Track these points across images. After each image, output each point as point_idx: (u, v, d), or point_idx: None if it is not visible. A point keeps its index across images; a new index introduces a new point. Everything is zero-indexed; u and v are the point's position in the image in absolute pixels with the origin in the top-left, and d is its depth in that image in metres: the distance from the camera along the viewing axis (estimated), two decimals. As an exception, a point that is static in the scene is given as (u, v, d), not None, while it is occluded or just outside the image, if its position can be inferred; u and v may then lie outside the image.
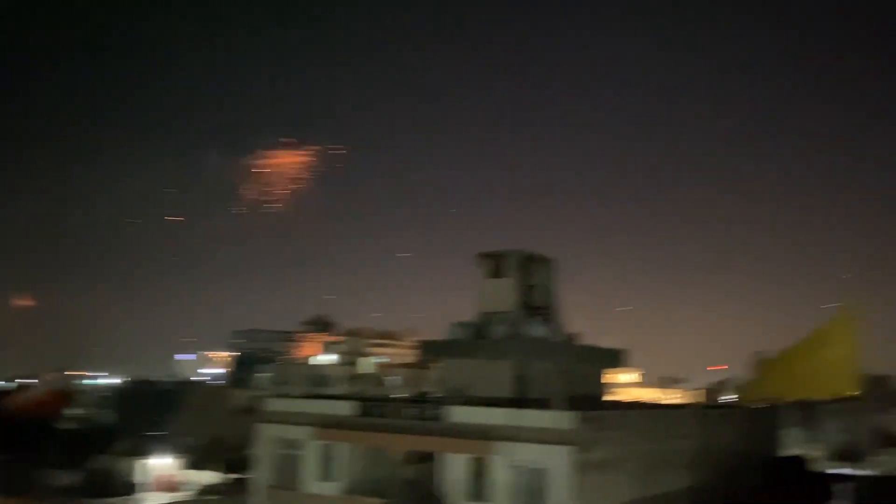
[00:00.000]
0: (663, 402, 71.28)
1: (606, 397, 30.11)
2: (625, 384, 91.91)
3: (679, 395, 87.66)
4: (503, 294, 28.06)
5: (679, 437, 23.72)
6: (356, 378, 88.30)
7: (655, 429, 23.32)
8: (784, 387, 25.49)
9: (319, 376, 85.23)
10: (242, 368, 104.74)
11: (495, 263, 28.54)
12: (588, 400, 25.30)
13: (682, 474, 23.25)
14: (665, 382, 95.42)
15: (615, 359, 30.13)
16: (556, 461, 19.55)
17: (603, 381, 29.41)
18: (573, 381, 24.49)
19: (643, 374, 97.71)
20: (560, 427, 19.80)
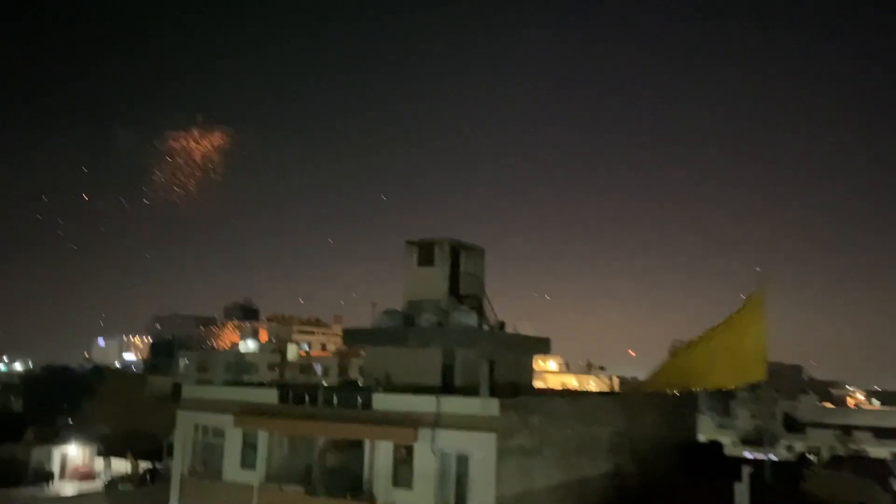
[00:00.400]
0: (585, 389, 73.11)
1: (532, 383, 30.57)
2: (549, 371, 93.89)
3: (597, 383, 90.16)
4: (432, 282, 28.07)
5: (599, 424, 24.30)
6: (280, 365, 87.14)
7: (576, 416, 23.80)
8: (695, 373, 26.36)
9: (242, 363, 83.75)
10: (162, 355, 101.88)
11: (424, 251, 28.51)
12: (515, 387, 25.64)
13: (601, 460, 23.84)
14: (586, 370, 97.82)
15: (541, 347, 30.60)
16: (479, 447, 19.74)
17: (529, 368, 29.84)
18: (500, 368, 24.77)
19: (566, 362, 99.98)
20: (483, 414, 19.99)
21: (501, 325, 28.82)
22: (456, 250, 28.80)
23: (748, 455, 38.36)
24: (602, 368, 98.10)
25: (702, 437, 32.31)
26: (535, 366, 31.97)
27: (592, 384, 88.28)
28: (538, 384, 42.26)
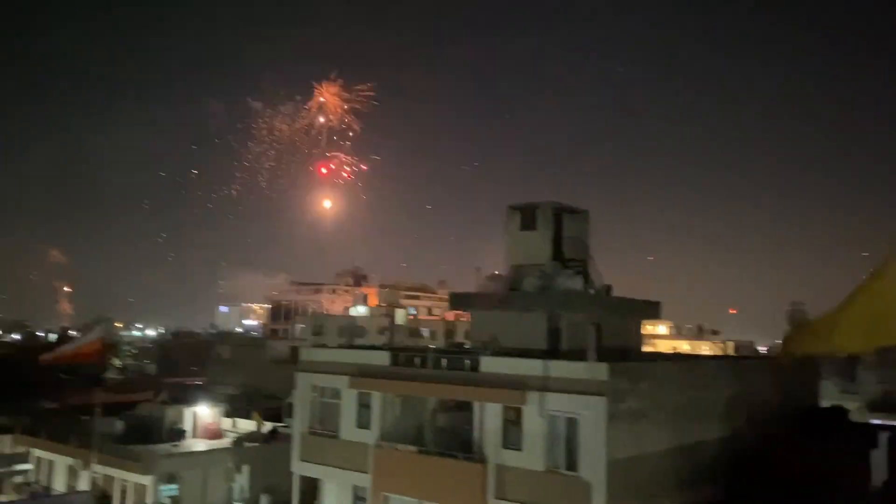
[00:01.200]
0: (697, 353, 71.14)
1: (641, 348, 30.07)
2: (659, 336, 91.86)
3: (710, 347, 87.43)
4: (535, 246, 27.95)
5: (713, 388, 23.71)
6: (389, 329, 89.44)
7: (688, 380, 23.31)
8: (829, 344, 24.87)
9: (354, 327, 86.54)
10: (279, 320, 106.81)
11: (527, 216, 28.36)
12: (623, 352, 25.33)
13: (715, 424, 23.30)
14: (698, 334, 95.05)
15: (649, 310, 29.99)
16: (588, 411, 19.72)
17: (638, 332, 29.34)
18: (608, 333, 24.46)
19: (676, 326, 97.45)
20: (592, 377, 19.91)
21: (608, 289, 28.40)
22: (559, 214, 28.48)
23: (876, 422, 36.40)
24: (715, 332, 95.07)
25: (825, 403, 30.84)
26: (646, 330, 31.41)
27: (706, 349, 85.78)
28: (648, 349, 41.50)
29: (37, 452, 39.22)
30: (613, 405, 19.59)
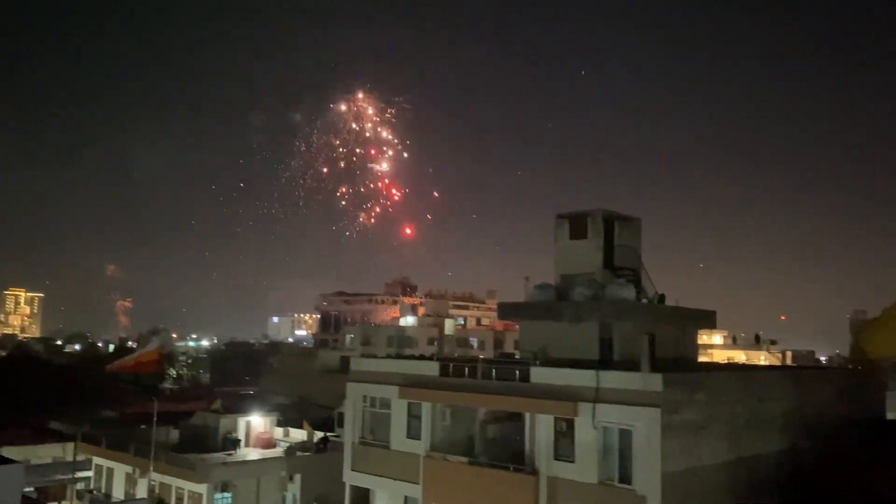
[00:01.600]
0: (754, 363, 69.34)
1: (696, 359, 29.41)
2: (714, 346, 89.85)
3: (768, 358, 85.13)
4: (585, 255, 27.62)
5: (771, 400, 23.03)
6: (438, 339, 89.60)
7: (745, 391, 22.69)
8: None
9: (403, 337, 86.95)
10: (329, 330, 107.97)
11: (576, 224, 28.04)
12: (678, 362, 24.82)
13: (774, 437, 22.63)
14: (754, 343, 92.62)
15: (704, 319, 29.34)
16: (642, 422, 19.34)
17: (693, 342, 28.72)
18: (662, 343, 24.01)
19: (732, 336, 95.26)
20: (646, 388, 19.53)
21: (661, 298, 27.87)
22: (609, 222, 28.11)
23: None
24: (773, 342, 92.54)
25: (892, 416, 29.70)
26: (701, 340, 30.74)
27: (763, 359, 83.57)
28: (703, 359, 40.60)
29: (97, 460, 40.31)
30: (668, 416, 19.17)
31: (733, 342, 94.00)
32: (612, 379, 20.41)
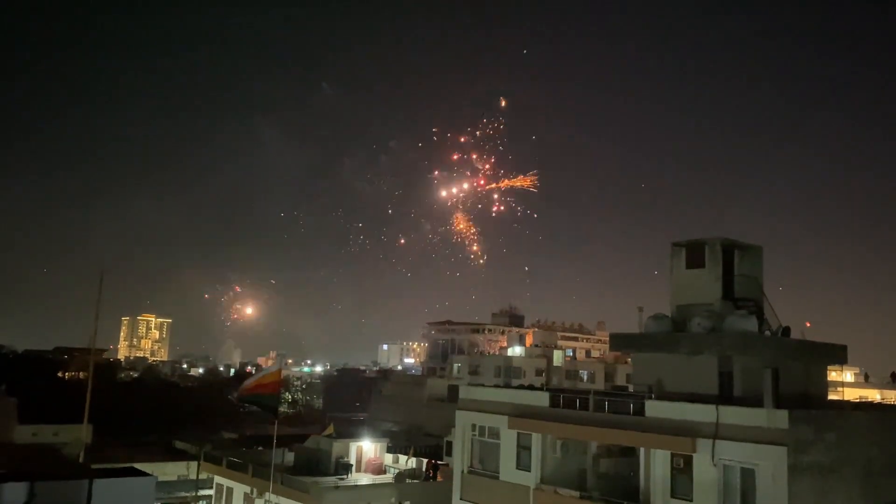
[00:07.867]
0: (890, 403, 64.25)
1: (826, 396, 27.61)
2: (845, 383, 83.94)
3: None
4: (703, 285, 26.61)
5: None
6: (546, 370, 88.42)
7: (882, 432, 21.08)
8: None
9: (510, 367, 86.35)
10: (437, 358, 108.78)
11: (693, 253, 27.11)
12: (805, 399, 23.40)
13: (917, 484, 20.84)
14: (890, 382, 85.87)
15: (834, 354, 27.54)
16: (766, 461, 18.32)
17: (822, 379, 26.99)
18: (786, 378, 22.73)
19: (864, 373, 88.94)
20: (770, 426, 18.51)
21: (786, 331, 26.41)
22: (729, 250, 26.99)
23: None
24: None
25: None
26: (831, 377, 28.87)
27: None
28: (833, 397, 38.04)
29: (218, 479, 42.11)
30: (795, 456, 18.08)
31: (865, 380, 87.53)
32: (734, 414, 19.50)
